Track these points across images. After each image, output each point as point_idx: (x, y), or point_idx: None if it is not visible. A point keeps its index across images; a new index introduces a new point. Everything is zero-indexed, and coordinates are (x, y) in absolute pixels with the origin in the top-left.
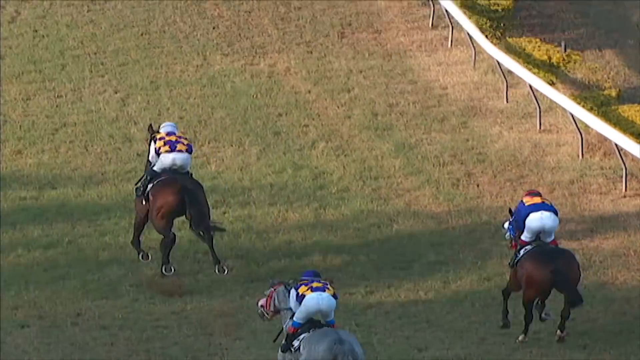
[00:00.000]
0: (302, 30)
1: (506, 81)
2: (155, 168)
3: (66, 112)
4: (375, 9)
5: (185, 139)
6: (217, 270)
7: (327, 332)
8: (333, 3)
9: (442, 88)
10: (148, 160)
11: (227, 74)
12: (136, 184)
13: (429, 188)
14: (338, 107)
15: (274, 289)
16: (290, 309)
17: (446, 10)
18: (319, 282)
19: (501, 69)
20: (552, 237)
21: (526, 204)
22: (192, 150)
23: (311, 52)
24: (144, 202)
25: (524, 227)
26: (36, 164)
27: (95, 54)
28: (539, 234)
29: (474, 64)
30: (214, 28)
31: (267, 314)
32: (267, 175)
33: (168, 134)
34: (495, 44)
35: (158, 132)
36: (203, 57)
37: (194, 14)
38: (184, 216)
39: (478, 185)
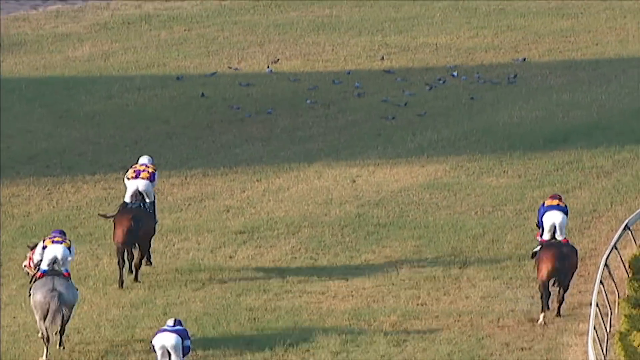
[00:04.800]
0: None
1: None
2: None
3: None
4: None
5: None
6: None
7: (45, 282)
8: None
9: None
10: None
11: None
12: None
13: None
14: None
15: (33, 252)
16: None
17: None
18: (60, 236)
19: None
20: (564, 235)
21: (545, 205)
22: (154, 178)
23: None
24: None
25: (542, 223)
26: None
27: None
28: (553, 229)
29: None
30: None
31: (29, 271)
32: None
33: (140, 165)
34: None
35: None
36: None
37: None
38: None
39: None
